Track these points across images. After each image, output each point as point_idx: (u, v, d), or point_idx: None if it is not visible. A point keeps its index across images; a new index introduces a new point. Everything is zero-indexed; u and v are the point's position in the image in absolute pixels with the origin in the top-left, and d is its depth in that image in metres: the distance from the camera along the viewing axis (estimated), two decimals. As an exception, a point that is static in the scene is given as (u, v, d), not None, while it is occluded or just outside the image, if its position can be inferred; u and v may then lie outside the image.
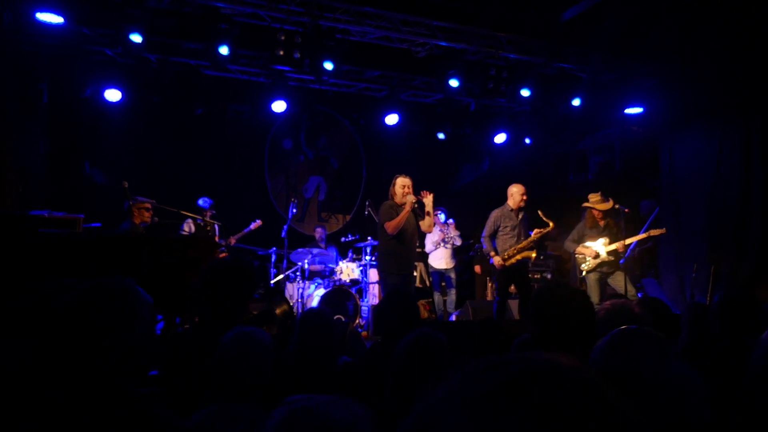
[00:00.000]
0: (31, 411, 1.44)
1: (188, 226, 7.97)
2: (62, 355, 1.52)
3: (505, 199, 7.41)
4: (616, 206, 8.47)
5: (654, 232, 7.50)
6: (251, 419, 2.15)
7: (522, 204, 7.29)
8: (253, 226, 8.80)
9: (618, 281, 7.39)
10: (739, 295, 3.07)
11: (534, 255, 7.26)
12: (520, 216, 7.33)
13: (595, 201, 7.57)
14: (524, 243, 7.18)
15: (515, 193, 7.30)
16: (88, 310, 1.55)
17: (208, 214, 8.14)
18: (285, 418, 1.44)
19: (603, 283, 7.53)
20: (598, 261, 7.44)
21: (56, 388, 1.49)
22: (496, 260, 7.21)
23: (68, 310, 1.55)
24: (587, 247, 7.52)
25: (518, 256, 7.15)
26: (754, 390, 1.39)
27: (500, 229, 7.29)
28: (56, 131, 8.72)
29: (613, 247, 7.37)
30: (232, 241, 8.50)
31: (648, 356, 1.31)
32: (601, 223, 7.56)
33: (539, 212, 7.38)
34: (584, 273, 7.57)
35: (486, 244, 7.34)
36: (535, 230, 7.26)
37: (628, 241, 7.35)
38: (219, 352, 2.27)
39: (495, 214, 7.39)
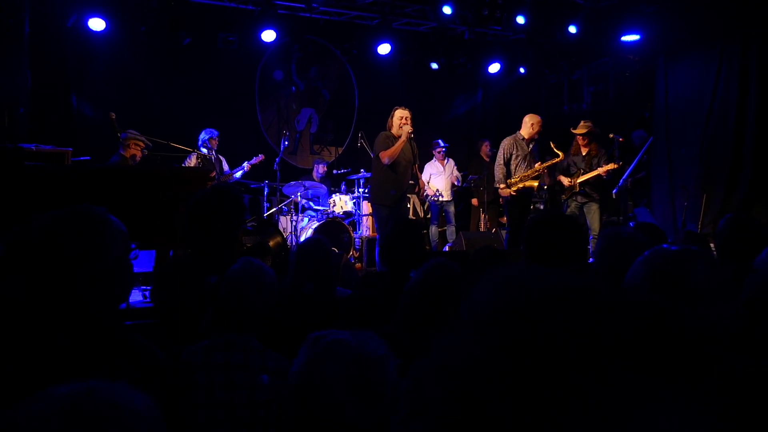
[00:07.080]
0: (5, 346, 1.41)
1: (192, 161, 7.88)
2: (35, 288, 1.46)
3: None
4: (610, 135, 8.41)
5: (609, 167, 7.20)
6: (249, 349, 2.16)
7: (535, 135, 7.22)
8: (255, 160, 8.53)
9: (589, 212, 7.33)
10: (746, 217, 3.14)
11: (536, 184, 7.21)
12: (531, 146, 7.27)
13: (579, 127, 7.48)
14: (530, 171, 7.14)
15: (530, 122, 7.20)
16: (56, 239, 1.46)
17: (215, 143, 8.06)
18: (320, 353, 1.42)
19: (583, 211, 7.49)
20: (571, 191, 7.41)
21: (34, 321, 1.45)
22: (503, 191, 7.19)
23: (36, 240, 1.47)
24: (564, 177, 7.48)
25: (521, 184, 7.12)
26: (750, 314, 1.42)
27: (512, 158, 7.19)
28: (40, 63, 8.41)
29: (581, 179, 7.26)
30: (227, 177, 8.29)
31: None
32: (583, 150, 7.47)
33: (551, 143, 7.31)
34: (563, 200, 7.58)
35: (499, 172, 7.21)
36: (544, 163, 7.20)
37: (583, 177, 7.23)
38: (228, 282, 2.23)
39: (507, 142, 7.27)
